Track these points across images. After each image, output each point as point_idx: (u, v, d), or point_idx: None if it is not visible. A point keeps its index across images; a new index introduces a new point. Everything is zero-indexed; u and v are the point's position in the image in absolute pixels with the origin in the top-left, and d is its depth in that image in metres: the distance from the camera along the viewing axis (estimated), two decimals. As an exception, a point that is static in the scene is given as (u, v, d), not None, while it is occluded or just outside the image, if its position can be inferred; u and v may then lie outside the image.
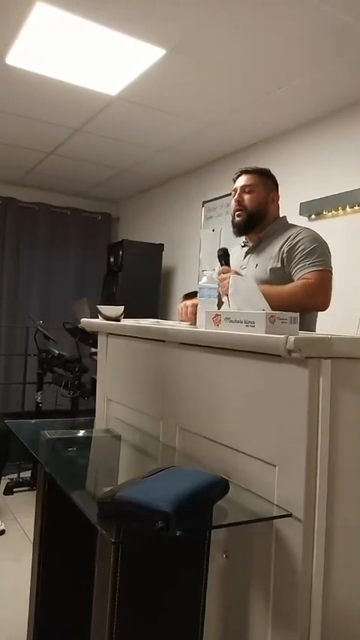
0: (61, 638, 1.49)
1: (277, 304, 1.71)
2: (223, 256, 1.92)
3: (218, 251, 1.95)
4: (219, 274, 1.87)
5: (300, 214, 3.08)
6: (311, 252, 1.87)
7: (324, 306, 1.85)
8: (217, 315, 1.27)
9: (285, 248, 1.92)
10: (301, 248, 1.89)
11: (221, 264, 1.91)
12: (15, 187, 5.05)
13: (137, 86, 2.86)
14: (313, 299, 1.81)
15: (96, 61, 2.63)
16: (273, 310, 1.74)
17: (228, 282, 1.76)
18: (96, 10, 2.20)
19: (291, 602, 1.03)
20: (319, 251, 1.87)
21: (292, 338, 1.00)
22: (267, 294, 1.75)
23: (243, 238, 2.12)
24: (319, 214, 3.04)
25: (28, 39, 2.45)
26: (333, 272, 1.89)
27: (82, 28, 2.33)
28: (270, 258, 1.95)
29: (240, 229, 2.04)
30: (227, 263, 1.91)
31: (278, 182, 2.10)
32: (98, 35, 2.37)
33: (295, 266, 1.88)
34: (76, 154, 4.08)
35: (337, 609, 1.04)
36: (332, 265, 1.91)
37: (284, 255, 1.92)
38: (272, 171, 2.09)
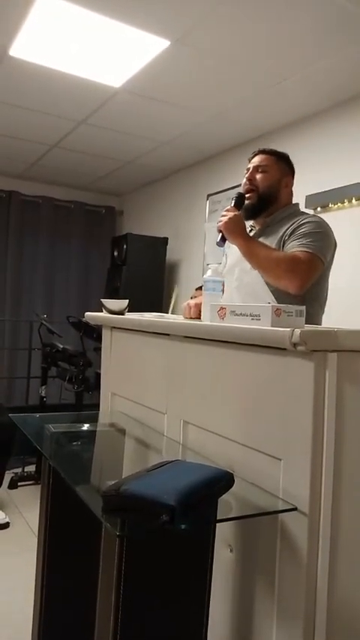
0: (67, 631, 1.49)
1: (259, 263, 1.76)
2: (237, 199, 1.87)
3: (235, 194, 1.90)
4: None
5: (306, 207, 3.06)
6: (310, 234, 1.78)
7: (298, 289, 1.69)
8: (221, 308, 1.27)
9: (288, 231, 1.84)
10: (302, 230, 1.80)
11: (231, 204, 1.86)
12: (18, 181, 5.05)
13: (141, 78, 2.84)
14: (292, 276, 1.69)
15: (100, 53, 2.61)
16: (252, 266, 1.78)
17: (224, 219, 1.80)
18: (100, 2, 2.18)
19: (296, 596, 1.03)
20: (319, 237, 1.78)
21: (297, 331, 0.99)
22: (256, 248, 1.79)
23: (251, 222, 2.04)
24: (324, 207, 3.02)
25: (31, 31, 2.43)
26: (324, 263, 1.79)
27: (86, 20, 2.31)
28: (273, 244, 1.87)
29: (249, 212, 1.95)
30: (237, 206, 1.86)
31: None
32: (102, 26, 2.36)
33: (290, 242, 1.80)
34: (79, 146, 4.07)
35: (343, 603, 1.04)
36: (327, 260, 1.81)
37: (286, 238, 1.84)
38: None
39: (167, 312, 1.93)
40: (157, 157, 4.25)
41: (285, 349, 1.05)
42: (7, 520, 2.87)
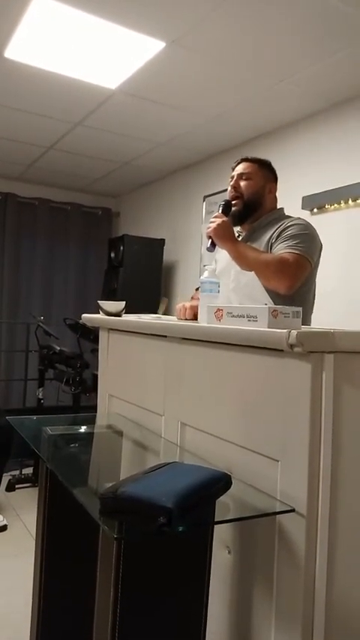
0: (65, 632, 1.49)
1: (249, 265, 1.80)
2: (224, 206, 1.92)
3: (221, 201, 1.95)
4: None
5: (302, 208, 3.07)
6: (297, 236, 1.83)
7: (287, 289, 1.74)
8: (218, 309, 1.27)
9: (275, 235, 1.90)
10: (288, 232, 1.86)
11: (219, 211, 1.91)
12: (15, 182, 5.04)
13: (137, 79, 2.84)
14: (282, 276, 1.74)
15: (95, 54, 2.61)
16: (242, 269, 1.82)
17: (213, 225, 1.84)
18: (95, 3, 2.18)
19: (294, 598, 1.03)
20: (305, 238, 1.83)
21: (294, 332, 0.99)
22: (245, 251, 1.84)
23: (238, 228, 2.09)
24: (321, 208, 3.03)
25: (26, 32, 2.43)
26: (311, 264, 1.84)
27: (82, 21, 2.31)
28: (260, 248, 1.92)
29: (235, 218, 1.99)
30: (224, 212, 1.90)
31: (280, 176, 2.08)
32: (97, 28, 2.36)
33: (277, 245, 1.85)
34: (76, 148, 4.07)
35: (341, 604, 1.04)
36: (314, 260, 1.86)
37: (273, 241, 1.89)
38: (274, 165, 2.07)
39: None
40: (154, 159, 4.25)
41: (282, 350, 1.05)
42: (4, 523, 2.87)
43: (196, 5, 2.16)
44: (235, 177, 2.03)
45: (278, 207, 2.07)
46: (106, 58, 2.64)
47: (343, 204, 2.91)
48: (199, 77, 2.80)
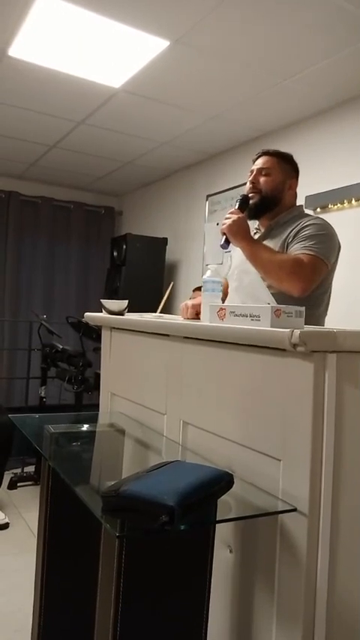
0: (67, 631, 1.49)
1: (262, 265, 1.75)
2: (241, 201, 1.85)
3: (238, 196, 1.89)
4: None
5: (305, 207, 3.05)
6: (314, 237, 1.76)
7: (301, 292, 1.67)
8: (221, 308, 1.26)
9: (292, 234, 1.83)
10: (305, 233, 1.79)
11: (235, 207, 1.84)
12: (18, 181, 5.05)
13: (141, 78, 2.84)
14: (295, 279, 1.67)
15: (99, 53, 2.61)
16: (256, 269, 1.78)
17: (227, 221, 1.77)
18: (99, 2, 2.18)
19: (296, 597, 1.03)
20: (322, 239, 1.76)
21: (297, 332, 0.99)
22: (260, 250, 1.78)
23: (256, 224, 2.02)
24: (324, 207, 3.02)
25: (31, 31, 2.43)
26: (328, 266, 1.77)
27: (86, 20, 2.31)
28: (277, 247, 1.86)
29: (252, 211, 1.92)
30: (241, 208, 1.84)
31: None
32: (101, 27, 2.36)
33: (293, 245, 1.79)
34: (79, 147, 4.07)
35: (342, 604, 1.04)
36: (331, 262, 1.79)
37: (289, 240, 1.82)
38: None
39: (157, 310, 1.90)
40: (157, 158, 4.25)
41: (285, 350, 1.05)
42: (6, 520, 2.87)
43: (200, 3, 2.15)
44: (254, 172, 1.94)
45: (298, 204, 1.99)
46: (110, 56, 2.63)
47: (346, 204, 2.91)
48: (202, 76, 2.80)
